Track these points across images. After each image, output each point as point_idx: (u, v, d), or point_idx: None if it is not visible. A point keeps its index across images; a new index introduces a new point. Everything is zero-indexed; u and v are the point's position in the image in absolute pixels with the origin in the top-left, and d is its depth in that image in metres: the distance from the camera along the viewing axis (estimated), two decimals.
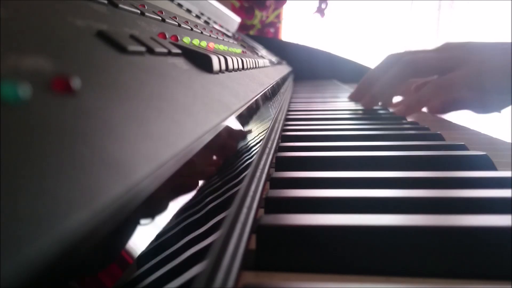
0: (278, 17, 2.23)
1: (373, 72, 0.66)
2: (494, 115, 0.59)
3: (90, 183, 0.09)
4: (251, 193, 0.24)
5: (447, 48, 0.60)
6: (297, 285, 0.18)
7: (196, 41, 0.36)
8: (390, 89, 0.61)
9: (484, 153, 0.36)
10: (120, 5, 0.27)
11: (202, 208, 0.16)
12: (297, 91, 1.18)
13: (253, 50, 0.95)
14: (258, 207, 0.24)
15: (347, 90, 1.13)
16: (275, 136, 0.43)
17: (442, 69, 0.56)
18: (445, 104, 0.58)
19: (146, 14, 0.31)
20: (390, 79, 0.60)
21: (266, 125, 0.41)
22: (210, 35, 0.52)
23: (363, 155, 0.36)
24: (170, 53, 0.26)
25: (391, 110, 0.63)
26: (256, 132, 0.35)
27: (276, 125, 0.48)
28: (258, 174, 0.28)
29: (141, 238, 0.12)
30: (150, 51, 0.22)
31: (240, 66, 0.42)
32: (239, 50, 0.63)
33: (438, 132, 0.48)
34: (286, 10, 2.31)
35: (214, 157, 0.21)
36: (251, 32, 2.10)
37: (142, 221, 0.12)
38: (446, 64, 0.56)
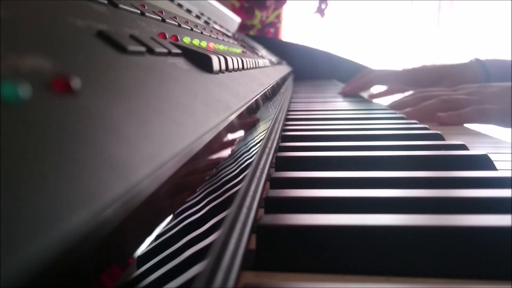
0: (278, 17, 2.23)
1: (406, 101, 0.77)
2: None
3: (90, 183, 0.09)
4: (251, 193, 0.24)
5: (475, 92, 0.72)
6: (297, 285, 0.18)
7: (196, 41, 0.36)
8: (424, 116, 0.71)
9: (484, 153, 0.36)
10: (120, 5, 0.27)
11: (202, 208, 0.16)
12: (297, 91, 1.18)
13: (253, 50, 0.95)
14: (258, 207, 0.24)
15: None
16: (275, 136, 0.43)
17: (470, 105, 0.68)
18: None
19: (146, 14, 0.31)
20: (427, 109, 0.71)
21: (266, 125, 0.41)
22: (210, 35, 0.52)
23: (363, 155, 0.36)
24: (170, 53, 0.26)
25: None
26: (256, 132, 0.35)
27: (276, 125, 0.48)
28: (258, 174, 0.28)
29: (141, 238, 0.12)
30: (150, 51, 0.22)
31: (240, 66, 0.42)
32: (239, 50, 0.63)
33: (438, 132, 0.48)
34: (286, 10, 2.31)
35: (214, 157, 0.21)
36: (251, 32, 2.09)
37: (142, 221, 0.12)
38: (471, 103, 0.68)
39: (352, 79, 1.09)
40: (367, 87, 1.02)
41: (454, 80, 0.87)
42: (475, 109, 0.65)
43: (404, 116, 0.64)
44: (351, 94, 1.04)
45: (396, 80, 0.97)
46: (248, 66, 0.49)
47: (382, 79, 1.00)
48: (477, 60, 0.91)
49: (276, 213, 0.22)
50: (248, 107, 0.32)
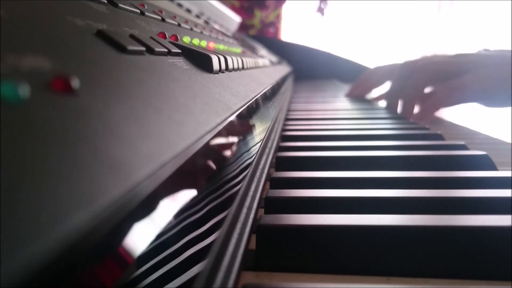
0: (278, 17, 2.23)
1: (394, 85, 0.70)
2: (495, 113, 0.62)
3: (90, 184, 0.09)
4: (251, 193, 0.24)
5: (459, 56, 0.64)
6: (297, 285, 0.18)
7: (196, 41, 0.36)
8: (412, 100, 0.65)
9: (484, 153, 0.36)
10: (120, 5, 0.27)
11: (202, 208, 0.16)
12: (297, 91, 1.18)
13: (253, 50, 0.95)
14: (258, 207, 0.24)
15: (347, 90, 1.13)
16: (275, 136, 0.43)
17: (454, 73, 0.59)
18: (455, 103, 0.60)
19: (146, 13, 0.31)
20: (411, 90, 0.63)
21: (266, 125, 0.41)
22: (210, 35, 0.52)
23: (363, 155, 0.36)
24: (170, 53, 0.26)
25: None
26: (256, 132, 0.34)
27: (276, 125, 0.48)
28: (258, 174, 0.28)
29: (141, 238, 0.12)
30: (150, 50, 0.22)
31: (240, 66, 0.42)
32: (239, 50, 0.63)
33: (438, 132, 0.48)
34: (286, 10, 2.31)
35: (214, 157, 0.21)
36: (251, 32, 2.09)
37: (142, 221, 0.12)
38: (458, 68, 0.59)
39: (357, 81, 1.04)
40: (372, 88, 0.96)
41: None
42: (447, 86, 0.57)
43: (404, 116, 0.64)
44: (358, 97, 0.99)
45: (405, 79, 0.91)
46: (248, 66, 0.49)
47: (389, 78, 0.90)
48: (487, 51, 0.86)
49: (276, 213, 0.22)
50: (248, 107, 0.32)
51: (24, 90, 0.10)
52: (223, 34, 0.73)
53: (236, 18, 1.33)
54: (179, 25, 0.40)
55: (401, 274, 0.19)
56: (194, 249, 0.14)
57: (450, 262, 0.19)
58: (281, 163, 0.36)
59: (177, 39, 0.32)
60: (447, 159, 0.36)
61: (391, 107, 0.71)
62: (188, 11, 0.61)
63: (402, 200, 0.25)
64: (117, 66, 0.17)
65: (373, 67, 1.02)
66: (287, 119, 0.62)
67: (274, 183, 0.30)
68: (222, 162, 0.21)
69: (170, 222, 0.13)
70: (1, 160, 0.08)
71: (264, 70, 0.67)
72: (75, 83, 0.12)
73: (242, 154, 0.25)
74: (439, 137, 0.46)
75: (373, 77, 0.96)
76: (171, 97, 0.19)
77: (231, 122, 0.24)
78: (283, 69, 1.18)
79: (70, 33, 0.17)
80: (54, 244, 0.07)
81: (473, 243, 0.19)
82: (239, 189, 0.22)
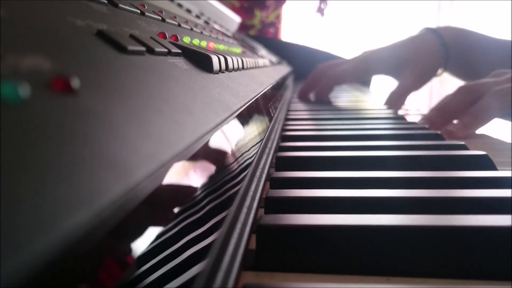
0: (278, 17, 2.23)
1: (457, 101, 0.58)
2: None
3: (90, 184, 0.09)
4: (251, 193, 0.24)
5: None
6: (297, 285, 0.18)
7: (196, 41, 0.36)
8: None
9: (484, 153, 0.36)
10: (120, 5, 0.27)
11: (202, 208, 0.16)
12: (297, 91, 1.18)
13: (253, 50, 0.95)
14: (258, 207, 0.24)
15: (347, 90, 1.13)
16: (275, 136, 0.43)
17: None
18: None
19: (146, 14, 0.31)
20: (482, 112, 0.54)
21: (266, 125, 0.41)
22: (210, 35, 0.52)
23: (363, 155, 0.36)
24: (170, 53, 0.26)
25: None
26: (256, 132, 0.35)
27: (276, 125, 0.48)
28: (258, 174, 0.28)
29: (141, 238, 0.12)
30: (150, 50, 0.22)
31: (240, 66, 0.42)
32: (239, 50, 0.63)
33: (438, 132, 0.48)
34: (286, 10, 2.31)
35: (214, 157, 0.21)
36: (251, 32, 2.09)
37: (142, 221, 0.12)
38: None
39: (309, 81, 0.94)
40: (330, 91, 0.88)
41: (416, 62, 0.78)
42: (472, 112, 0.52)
43: (404, 116, 0.64)
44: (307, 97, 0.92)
45: (355, 76, 0.84)
46: (248, 66, 0.49)
47: (343, 79, 0.86)
48: (429, 30, 0.81)
49: (276, 213, 0.22)
50: (248, 107, 0.32)
51: (24, 90, 0.10)
52: (223, 34, 0.73)
53: (236, 18, 1.32)
54: (179, 25, 0.40)
55: (401, 274, 0.19)
56: (194, 249, 0.15)
57: (450, 262, 0.19)
58: (281, 163, 0.36)
59: (177, 39, 0.32)
60: (447, 159, 0.36)
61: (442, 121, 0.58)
62: (188, 11, 0.61)
63: (402, 200, 0.25)
64: (117, 66, 0.17)
65: (329, 62, 0.93)
66: (287, 119, 0.62)
67: (274, 183, 0.30)
68: (222, 162, 0.21)
69: (170, 222, 0.13)
70: (1, 160, 0.08)
71: (264, 70, 0.67)
72: (75, 83, 0.12)
73: (242, 154, 0.25)
74: (439, 137, 0.46)
75: (330, 80, 0.86)
76: (171, 97, 0.19)
77: (231, 122, 0.24)
78: (283, 69, 1.18)
79: (70, 33, 0.17)
80: (54, 244, 0.07)
81: (473, 243, 0.19)
82: (239, 189, 0.22)
